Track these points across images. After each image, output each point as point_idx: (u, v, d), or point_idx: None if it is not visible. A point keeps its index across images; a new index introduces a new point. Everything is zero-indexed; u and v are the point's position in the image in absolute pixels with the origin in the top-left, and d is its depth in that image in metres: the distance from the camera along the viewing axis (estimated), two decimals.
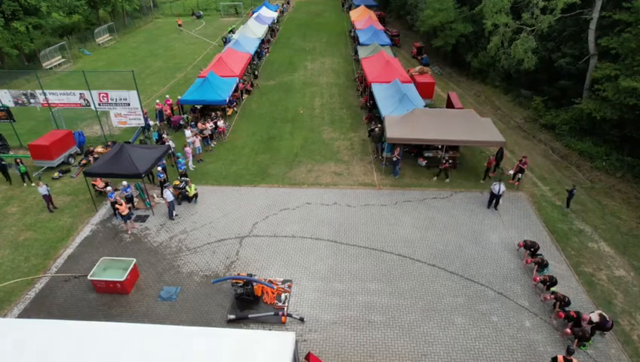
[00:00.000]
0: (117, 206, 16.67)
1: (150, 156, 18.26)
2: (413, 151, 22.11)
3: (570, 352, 10.85)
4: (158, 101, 27.24)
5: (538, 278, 13.87)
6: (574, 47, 25.03)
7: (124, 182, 18.06)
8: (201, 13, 60.75)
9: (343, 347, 12.25)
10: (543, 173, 21.06)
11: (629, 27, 20.39)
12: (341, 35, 49.32)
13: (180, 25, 54.75)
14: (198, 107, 27.13)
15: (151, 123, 25.25)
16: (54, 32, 46.11)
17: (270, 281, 14.22)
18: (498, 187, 17.60)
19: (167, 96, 27.83)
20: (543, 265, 14.35)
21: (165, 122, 26.21)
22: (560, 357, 10.77)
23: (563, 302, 12.91)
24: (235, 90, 28.59)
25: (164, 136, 22.68)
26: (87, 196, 18.96)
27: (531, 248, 15.09)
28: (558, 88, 25.98)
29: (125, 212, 16.55)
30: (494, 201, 18.02)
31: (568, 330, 12.04)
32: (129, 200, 18.01)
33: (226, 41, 41.91)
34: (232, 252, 15.95)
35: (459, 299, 13.76)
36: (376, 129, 22.65)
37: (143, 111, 23.19)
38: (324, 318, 13.14)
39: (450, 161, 21.19)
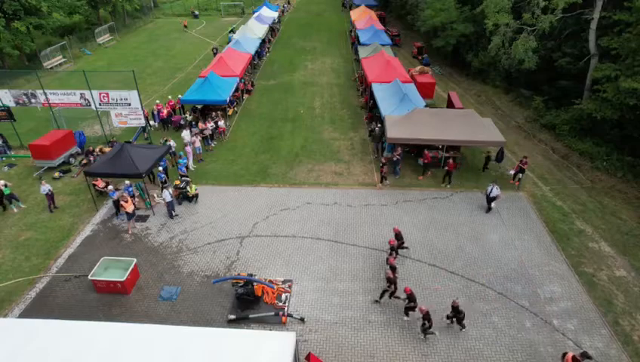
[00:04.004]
0: (122, 203, 16.61)
1: (151, 156, 18.28)
2: (414, 151, 22.10)
3: (586, 356, 10.51)
4: (158, 101, 27.22)
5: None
6: (575, 47, 25.02)
7: (127, 182, 18.07)
8: (197, 13, 60.60)
9: (343, 347, 12.27)
10: (544, 173, 21.06)
11: (630, 27, 20.38)
12: (341, 35, 49.29)
13: (185, 26, 53.54)
14: (199, 107, 27.11)
15: (151, 123, 25.22)
16: (55, 32, 45.97)
17: (270, 281, 14.23)
18: (491, 189, 17.57)
19: (170, 97, 27.78)
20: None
21: (161, 123, 26.10)
22: (569, 355, 10.62)
23: None
24: (236, 90, 28.58)
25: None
26: (87, 196, 18.98)
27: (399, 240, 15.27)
28: (558, 88, 25.96)
29: (131, 208, 16.52)
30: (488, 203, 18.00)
31: None
32: None
33: (216, 52, 41.11)
34: (233, 252, 15.96)
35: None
36: (377, 129, 22.65)
37: (143, 112, 23.18)
38: (325, 318, 13.16)
39: (450, 162, 21.14)
